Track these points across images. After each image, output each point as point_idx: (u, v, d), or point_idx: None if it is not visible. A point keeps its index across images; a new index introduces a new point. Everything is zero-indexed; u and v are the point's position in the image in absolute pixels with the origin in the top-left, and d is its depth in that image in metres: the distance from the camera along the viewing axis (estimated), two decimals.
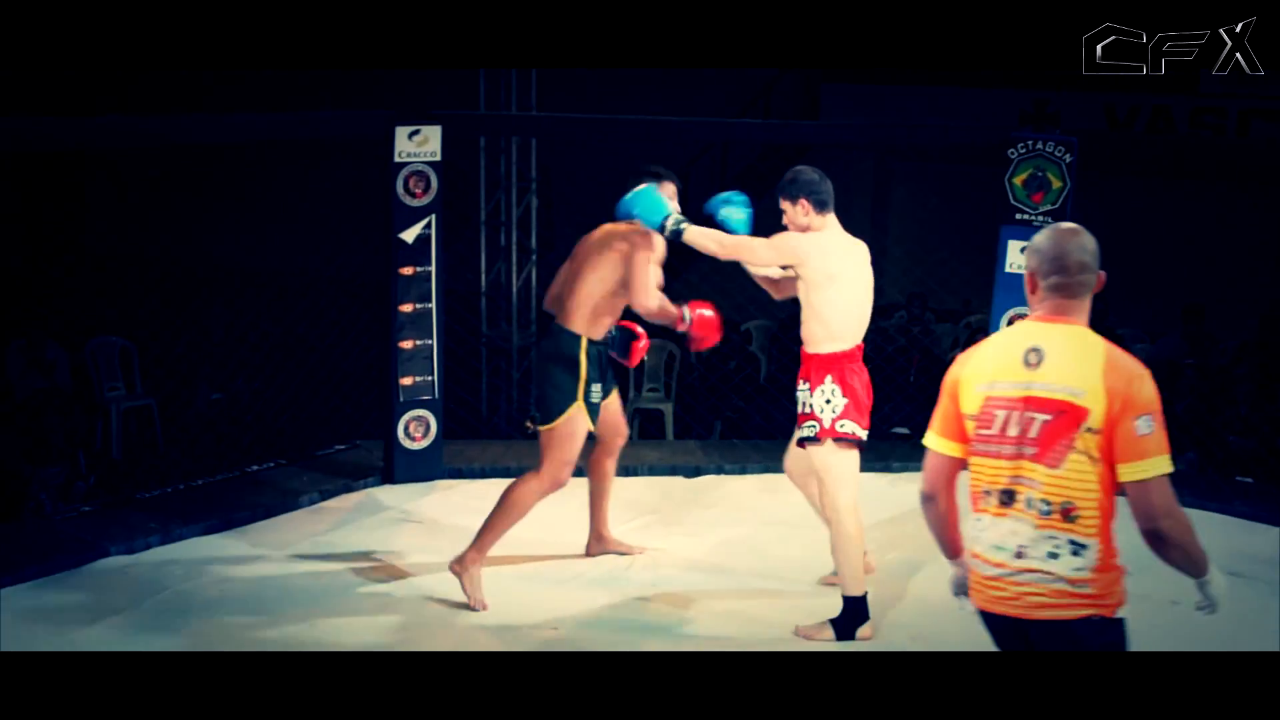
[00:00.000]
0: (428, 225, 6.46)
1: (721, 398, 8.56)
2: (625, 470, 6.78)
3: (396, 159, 6.38)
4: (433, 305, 6.53)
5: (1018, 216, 6.63)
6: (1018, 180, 6.61)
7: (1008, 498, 3.10)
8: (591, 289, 5.11)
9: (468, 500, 6.19)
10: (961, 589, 3.31)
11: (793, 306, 9.12)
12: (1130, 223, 10.12)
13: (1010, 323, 6.61)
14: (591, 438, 5.31)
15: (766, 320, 9.96)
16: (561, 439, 5.06)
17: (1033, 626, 3.08)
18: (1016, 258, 6.58)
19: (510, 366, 9.01)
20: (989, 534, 3.14)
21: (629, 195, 4.98)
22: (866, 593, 4.87)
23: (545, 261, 8.62)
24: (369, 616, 5.06)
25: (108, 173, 14.68)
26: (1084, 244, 3.13)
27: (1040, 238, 3.18)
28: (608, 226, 5.23)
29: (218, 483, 6.53)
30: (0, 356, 8.91)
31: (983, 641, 3.26)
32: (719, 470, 6.96)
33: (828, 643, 4.85)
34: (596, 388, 5.14)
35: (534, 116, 8.67)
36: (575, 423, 5.08)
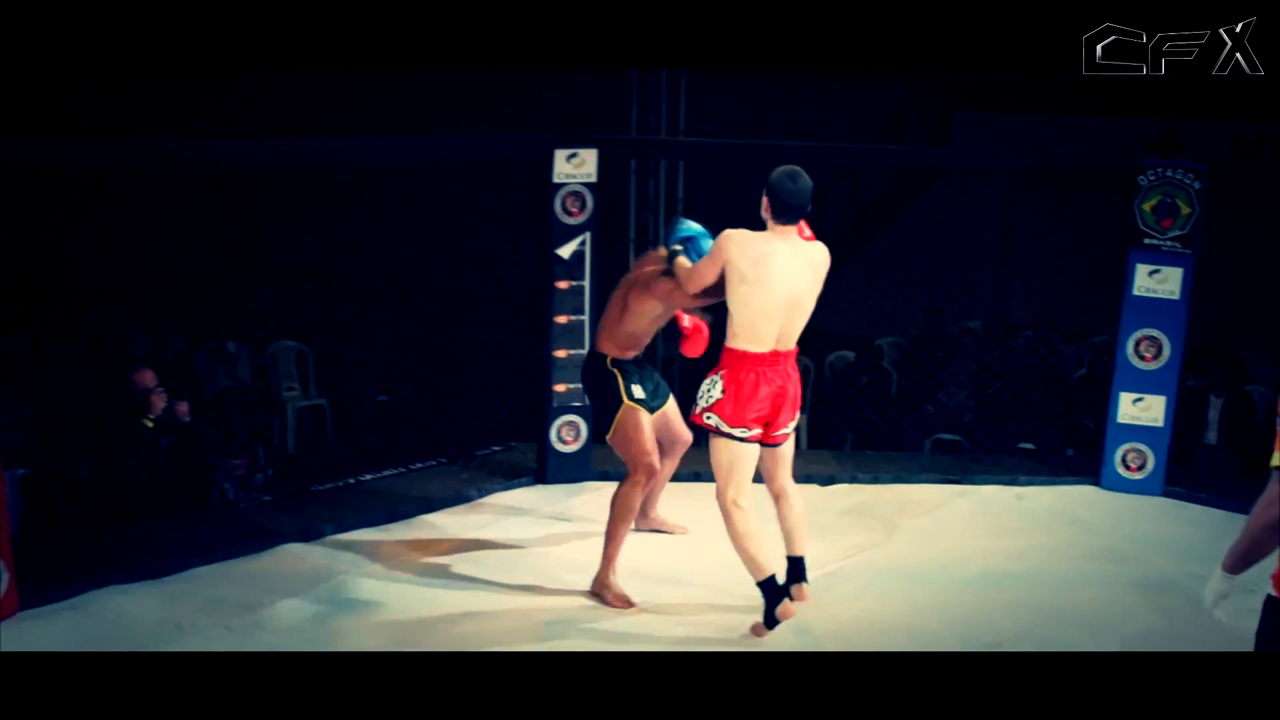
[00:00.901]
0: (582, 242, 6.48)
1: (855, 410, 8.50)
2: (759, 477, 6.80)
3: (555, 179, 6.39)
4: (585, 318, 6.55)
5: (1146, 241, 6.47)
6: (1147, 206, 6.44)
7: None
8: (611, 314, 5.20)
9: None
10: (1220, 600, 3.26)
11: (925, 324, 8.98)
12: (1258, 251, 9.91)
13: (1138, 345, 6.52)
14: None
15: (898, 337, 9.87)
16: (627, 439, 5.12)
17: None
18: (1145, 281, 6.46)
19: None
20: None
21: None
22: (773, 574, 4.78)
23: None
24: (518, 612, 5.06)
25: (290, 190, 14.98)
26: None
27: None
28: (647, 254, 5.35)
29: (385, 478, 6.59)
30: (191, 357, 9.08)
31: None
32: (851, 479, 6.91)
33: (775, 636, 4.78)
34: (636, 386, 5.18)
35: (682, 141, 8.72)
36: (630, 421, 5.12)
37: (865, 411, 8.32)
